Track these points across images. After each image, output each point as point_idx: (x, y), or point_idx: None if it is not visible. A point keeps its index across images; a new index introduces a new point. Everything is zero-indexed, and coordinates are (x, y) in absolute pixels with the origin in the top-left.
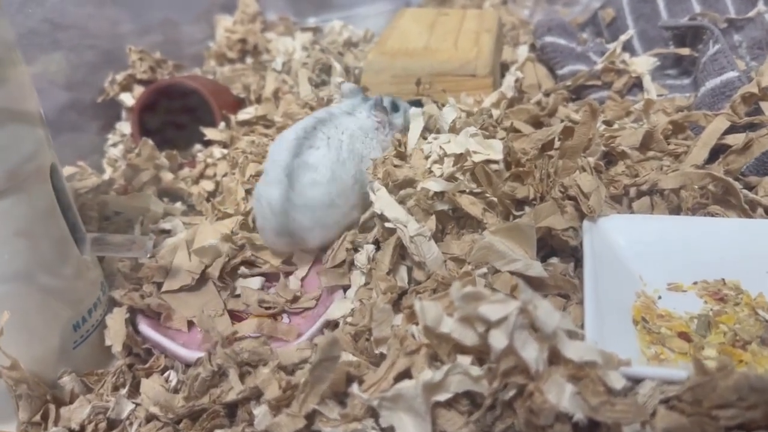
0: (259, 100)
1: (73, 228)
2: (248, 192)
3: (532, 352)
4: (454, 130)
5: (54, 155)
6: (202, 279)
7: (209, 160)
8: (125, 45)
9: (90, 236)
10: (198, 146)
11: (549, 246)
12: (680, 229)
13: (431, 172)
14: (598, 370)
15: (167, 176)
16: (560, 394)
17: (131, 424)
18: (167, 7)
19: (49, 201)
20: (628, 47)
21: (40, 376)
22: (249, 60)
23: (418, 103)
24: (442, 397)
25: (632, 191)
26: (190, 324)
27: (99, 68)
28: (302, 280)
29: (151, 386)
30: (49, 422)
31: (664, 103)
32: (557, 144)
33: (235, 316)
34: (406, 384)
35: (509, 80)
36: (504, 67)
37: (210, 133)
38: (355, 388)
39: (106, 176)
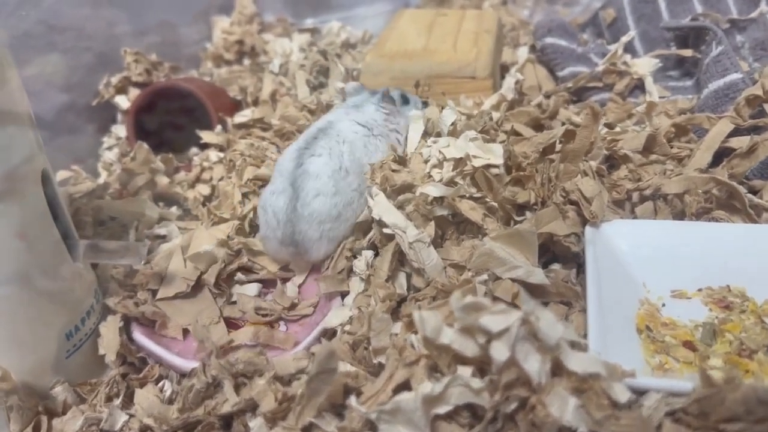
0: (256, 103)
1: (65, 234)
2: (245, 196)
3: (534, 364)
4: (453, 133)
5: (46, 161)
6: (198, 285)
7: (205, 164)
8: (122, 47)
9: (83, 243)
10: (194, 149)
11: (550, 252)
12: (684, 235)
13: (430, 176)
14: (602, 382)
15: (163, 180)
16: (563, 407)
17: None
18: (164, 9)
19: (41, 207)
20: (629, 48)
21: (32, 386)
22: (246, 62)
23: (423, 104)
24: (443, 409)
25: (635, 196)
26: (186, 332)
27: (95, 70)
28: (299, 286)
29: (145, 397)
30: None
31: (667, 105)
32: (558, 147)
33: (232, 324)
34: (405, 396)
35: (509, 82)
36: (504, 69)
37: (206, 136)
38: (353, 400)
39: (101, 180)
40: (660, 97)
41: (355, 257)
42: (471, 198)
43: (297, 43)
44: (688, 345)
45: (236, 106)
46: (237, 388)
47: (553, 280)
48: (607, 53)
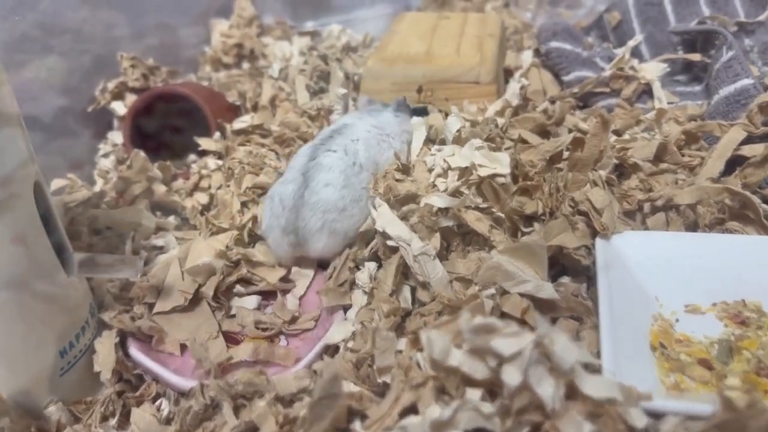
0: (255, 108)
1: (59, 248)
2: (244, 205)
3: (548, 389)
4: (458, 141)
5: (38, 172)
6: (196, 299)
7: (204, 171)
8: (119, 50)
9: (77, 256)
10: (192, 156)
11: (559, 264)
12: (697, 247)
13: (435, 186)
14: (618, 407)
15: (160, 189)
16: None
17: None
18: (162, 11)
19: (33, 219)
20: (634, 52)
21: (25, 406)
22: (245, 65)
23: (423, 111)
24: None
25: (646, 206)
26: (183, 347)
27: (93, 73)
28: (300, 298)
29: (141, 416)
30: None
31: (676, 111)
32: (565, 155)
33: (230, 338)
34: (412, 421)
35: (514, 87)
36: (507, 73)
37: (205, 143)
38: (357, 425)
39: (97, 188)
40: (668, 103)
41: (358, 268)
42: (477, 209)
43: (297, 46)
44: (704, 363)
45: (234, 109)
46: (236, 410)
47: (563, 294)
48: (613, 57)
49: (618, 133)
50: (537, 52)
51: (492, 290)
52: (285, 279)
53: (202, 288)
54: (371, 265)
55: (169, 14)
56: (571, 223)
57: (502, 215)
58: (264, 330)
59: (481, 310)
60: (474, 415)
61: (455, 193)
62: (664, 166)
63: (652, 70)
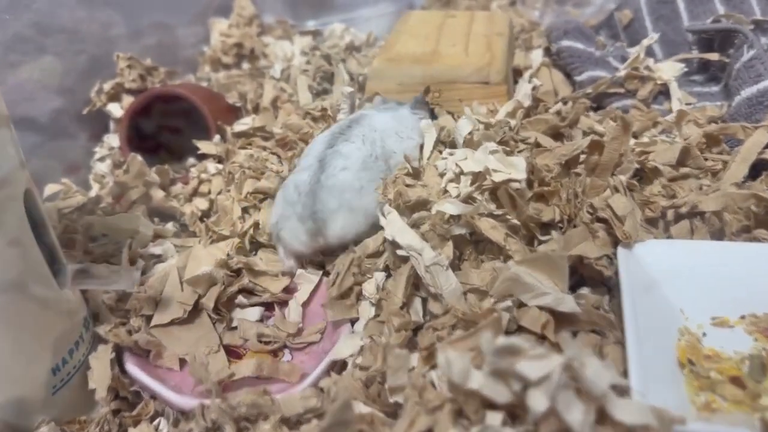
0: (256, 110)
1: (51, 259)
2: (245, 211)
3: (577, 415)
4: (470, 144)
5: (29, 179)
6: (195, 310)
7: (203, 176)
8: (117, 49)
9: (71, 267)
10: (191, 160)
11: (577, 274)
12: (724, 256)
13: (446, 191)
14: None
15: (158, 194)
16: None
17: None
18: (160, 10)
19: (23, 229)
20: (647, 51)
21: (15, 426)
22: (245, 65)
23: (431, 110)
24: None
25: (669, 213)
26: (183, 362)
27: (89, 75)
28: (304, 307)
29: None
30: None
31: (695, 113)
32: (581, 158)
33: (232, 352)
34: None
35: (525, 88)
36: (516, 73)
37: (204, 146)
38: None
39: (92, 193)
40: (686, 104)
41: (362, 275)
42: (491, 216)
43: (298, 46)
44: (736, 381)
45: (234, 111)
46: None
47: (583, 307)
48: (627, 57)
49: (634, 135)
50: (547, 52)
51: (508, 302)
52: (288, 290)
53: (202, 299)
54: (379, 276)
55: (167, 13)
56: (591, 232)
57: (518, 223)
58: (267, 343)
59: (499, 326)
60: None
61: (468, 200)
62: (686, 170)
63: (668, 70)
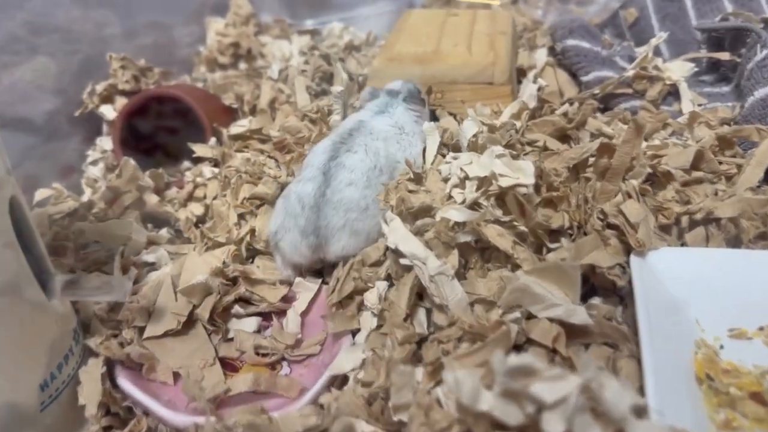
0: (253, 112)
1: (38, 269)
2: (241, 217)
3: None
4: (475, 147)
5: (15, 186)
6: (190, 321)
7: (198, 180)
8: (110, 49)
9: (60, 278)
10: (186, 163)
11: (588, 283)
12: (740, 265)
13: (451, 197)
14: None
15: (152, 199)
16: None
17: None
18: (155, 9)
19: (8, 238)
20: (654, 51)
21: None
22: (242, 66)
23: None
24: None
25: (684, 220)
26: (177, 376)
27: (83, 76)
28: (303, 316)
29: None
30: None
31: (707, 114)
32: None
33: (228, 365)
34: None
35: (531, 88)
36: (520, 73)
37: (199, 149)
38: None
39: (84, 198)
40: (698, 105)
41: (364, 282)
42: (498, 222)
43: (296, 45)
44: (757, 398)
45: (231, 112)
46: None
47: (595, 318)
48: (634, 56)
49: (645, 138)
50: (551, 51)
51: (517, 314)
52: (287, 297)
53: (197, 309)
54: (381, 285)
55: (162, 12)
56: (603, 239)
57: (526, 230)
58: (265, 356)
59: (508, 340)
60: None
61: (474, 206)
62: (699, 174)
63: (677, 69)
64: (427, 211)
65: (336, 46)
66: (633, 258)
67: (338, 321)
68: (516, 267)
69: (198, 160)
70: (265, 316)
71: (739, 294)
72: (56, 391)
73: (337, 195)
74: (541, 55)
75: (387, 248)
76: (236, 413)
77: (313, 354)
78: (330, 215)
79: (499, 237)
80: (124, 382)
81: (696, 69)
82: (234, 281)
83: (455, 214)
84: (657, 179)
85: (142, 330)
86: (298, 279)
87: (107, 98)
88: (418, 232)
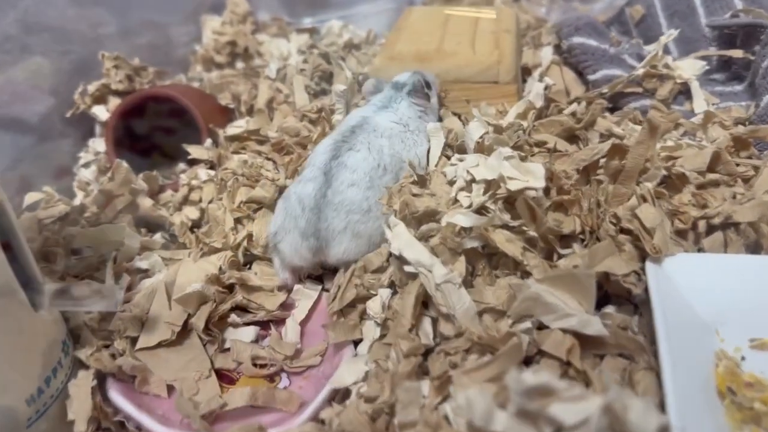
0: (250, 112)
1: (25, 278)
2: (238, 221)
3: None
4: (481, 149)
5: (1, 191)
6: (185, 331)
7: (194, 183)
8: (105, 49)
9: (49, 288)
10: (182, 165)
11: (602, 290)
12: (760, 272)
13: (457, 201)
14: None
15: (146, 202)
16: None
17: None
18: (151, 8)
19: None
20: (662, 48)
21: None
22: (239, 65)
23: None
24: None
25: (701, 224)
26: (171, 388)
27: (77, 76)
28: (302, 325)
29: None
30: None
31: (721, 114)
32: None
33: (225, 377)
34: None
35: (537, 87)
36: (525, 72)
37: (195, 151)
38: None
39: (76, 202)
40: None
41: (366, 290)
42: (506, 227)
43: (295, 44)
44: None
45: (227, 112)
46: None
47: (610, 328)
48: (642, 54)
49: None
50: (557, 49)
51: (528, 324)
52: (285, 305)
53: (192, 318)
54: (384, 293)
55: (157, 11)
56: (618, 245)
57: (536, 235)
58: (263, 367)
59: (519, 353)
60: None
61: (481, 210)
62: (715, 177)
63: (688, 68)
64: (432, 215)
65: (335, 44)
66: (649, 265)
67: (339, 330)
68: (525, 274)
69: (193, 162)
70: (263, 324)
71: (760, 302)
72: (44, 405)
73: (338, 196)
74: (547, 54)
75: (390, 254)
76: (233, 429)
77: (313, 365)
78: (331, 217)
79: (507, 243)
80: (116, 396)
81: (707, 67)
82: (230, 288)
83: (462, 218)
84: (671, 182)
85: (134, 340)
86: (297, 286)
87: (100, 98)
88: (423, 238)
